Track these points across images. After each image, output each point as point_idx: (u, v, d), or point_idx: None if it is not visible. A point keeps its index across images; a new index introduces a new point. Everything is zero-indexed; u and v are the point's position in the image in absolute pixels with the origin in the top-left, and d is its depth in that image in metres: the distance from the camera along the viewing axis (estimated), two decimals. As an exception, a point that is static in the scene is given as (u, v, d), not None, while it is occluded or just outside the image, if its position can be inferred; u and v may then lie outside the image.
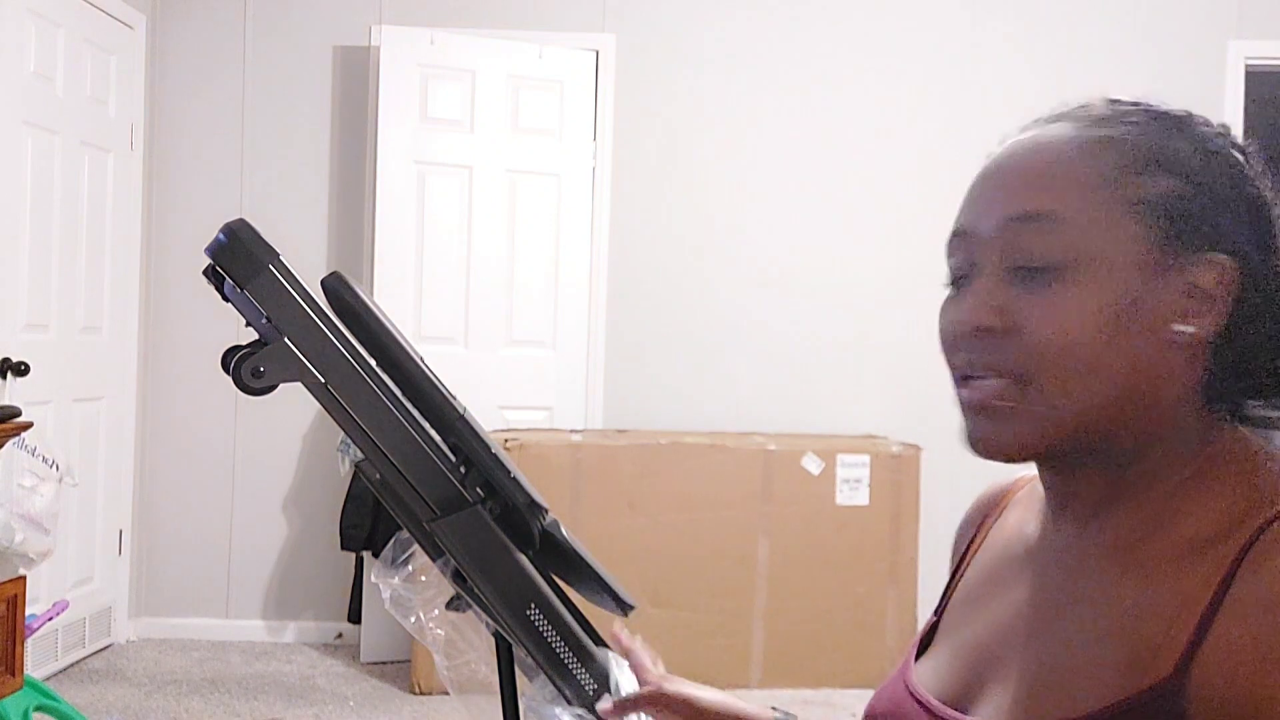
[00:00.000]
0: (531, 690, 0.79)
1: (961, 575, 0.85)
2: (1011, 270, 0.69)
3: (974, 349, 0.70)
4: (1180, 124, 0.70)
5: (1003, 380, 0.68)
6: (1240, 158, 0.69)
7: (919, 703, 0.77)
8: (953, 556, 0.90)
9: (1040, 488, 0.77)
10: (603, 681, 0.82)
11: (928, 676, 0.79)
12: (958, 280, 0.73)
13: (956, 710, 0.74)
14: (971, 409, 0.71)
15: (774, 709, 0.97)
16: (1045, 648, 0.69)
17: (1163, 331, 0.66)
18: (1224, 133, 0.71)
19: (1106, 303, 0.66)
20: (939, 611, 0.86)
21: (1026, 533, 0.78)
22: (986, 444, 0.70)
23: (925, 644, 0.84)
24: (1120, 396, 0.66)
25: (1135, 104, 0.73)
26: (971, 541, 0.86)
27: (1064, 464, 0.71)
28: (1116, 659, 0.64)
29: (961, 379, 0.72)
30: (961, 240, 0.73)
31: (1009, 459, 0.70)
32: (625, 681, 0.83)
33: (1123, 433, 0.68)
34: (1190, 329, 0.66)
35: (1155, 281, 0.66)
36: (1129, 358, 0.66)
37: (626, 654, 1.00)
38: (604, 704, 0.87)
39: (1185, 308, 0.66)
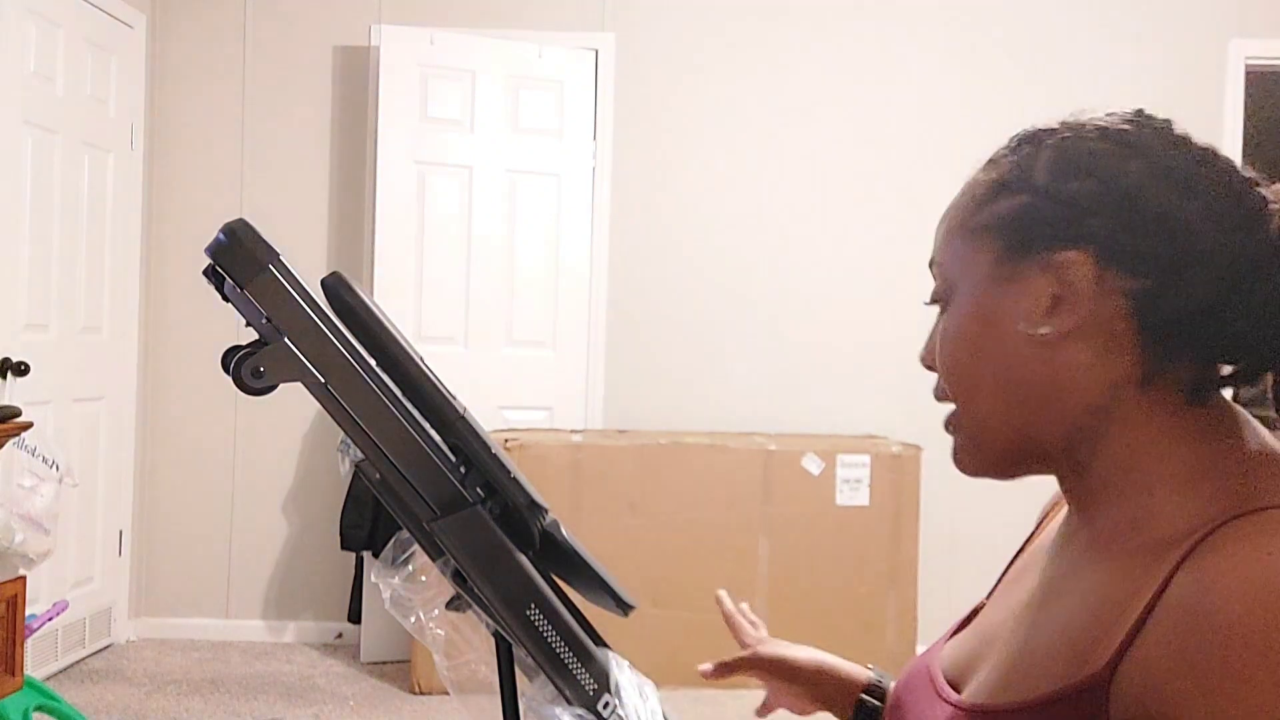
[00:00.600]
0: (531, 690, 0.79)
1: (1011, 564, 0.89)
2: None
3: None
4: (1057, 137, 0.73)
5: (948, 399, 0.77)
6: (1137, 148, 0.70)
7: (930, 677, 0.81)
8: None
9: None
10: (603, 681, 0.82)
11: (949, 652, 0.83)
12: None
13: (952, 687, 0.78)
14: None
15: (869, 666, 1.03)
16: (1026, 633, 0.72)
17: (1019, 335, 0.70)
18: (1117, 128, 0.72)
19: (965, 322, 0.74)
20: (989, 595, 0.90)
21: (1055, 528, 0.81)
22: (956, 462, 0.78)
23: (967, 623, 0.89)
24: (1014, 403, 0.72)
25: (1030, 130, 0.76)
26: (1034, 533, 0.89)
27: (1032, 470, 0.75)
28: (1068, 650, 0.66)
29: None
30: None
31: (974, 474, 0.77)
32: (625, 681, 0.83)
33: (1048, 435, 0.72)
34: (1045, 329, 0.69)
35: (1003, 291, 0.72)
36: (997, 366, 0.72)
37: (728, 618, 1.15)
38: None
39: (1041, 308, 0.70)
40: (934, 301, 0.78)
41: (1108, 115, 0.74)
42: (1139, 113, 0.73)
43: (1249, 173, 0.70)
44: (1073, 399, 0.70)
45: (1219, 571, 0.59)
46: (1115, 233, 0.68)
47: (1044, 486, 0.91)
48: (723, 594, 1.08)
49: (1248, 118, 4.18)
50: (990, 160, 0.78)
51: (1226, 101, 4.13)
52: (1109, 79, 4.13)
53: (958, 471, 0.78)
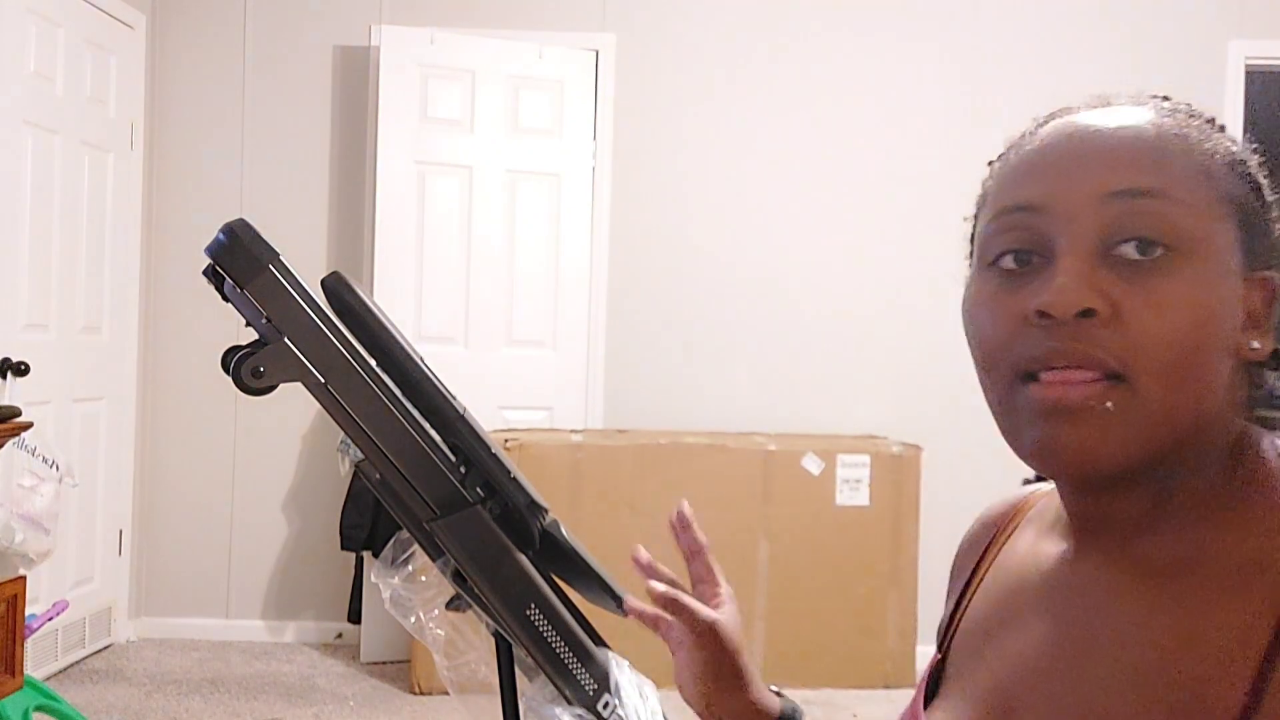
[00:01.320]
0: (531, 690, 0.79)
1: (967, 605, 0.77)
2: (1107, 252, 0.61)
3: (1063, 337, 0.60)
4: (1246, 146, 0.67)
5: (1098, 376, 0.59)
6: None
7: None
8: (952, 578, 0.81)
9: (1053, 506, 0.71)
10: (603, 681, 0.82)
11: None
12: (1021, 260, 0.64)
13: None
14: (1051, 411, 0.60)
15: (780, 693, 0.90)
16: (1075, 693, 0.62)
17: (1236, 343, 0.61)
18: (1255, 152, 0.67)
19: (1209, 300, 0.60)
20: (943, 646, 0.78)
21: (1042, 559, 0.70)
22: (1074, 454, 0.60)
23: (934, 684, 0.76)
24: (1208, 406, 0.61)
25: (1191, 108, 0.69)
26: (977, 566, 0.78)
27: (1118, 482, 0.62)
28: (1159, 706, 0.57)
29: (1032, 375, 0.61)
30: (1030, 215, 0.64)
31: (1099, 472, 0.61)
32: (625, 681, 0.83)
33: (1194, 448, 0.62)
34: (1258, 344, 0.62)
35: (1238, 289, 0.62)
36: (1217, 364, 0.61)
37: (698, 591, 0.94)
38: (643, 555, 0.86)
39: (1253, 322, 0.63)
40: (1140, 241, 0.60)
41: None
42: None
43: None
44: (1224, 416, 0.62)
45: None
46: None
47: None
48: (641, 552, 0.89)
49: (1248, 118, 4.18)
50: (1176, 111, 0.68)
51: (1226, 101, 4.13)
52: (1109, 79, 4.12)
53: (1043, 469, 0.64)
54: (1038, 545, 0.71)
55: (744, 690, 0.85)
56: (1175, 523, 0.62)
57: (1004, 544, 0.76)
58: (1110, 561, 0.64)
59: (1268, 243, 0.63)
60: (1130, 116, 0.66)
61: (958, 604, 0.78)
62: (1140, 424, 0.59)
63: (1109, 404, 0.59)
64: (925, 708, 0.74)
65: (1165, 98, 0.69)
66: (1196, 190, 0.61)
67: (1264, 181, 0.65)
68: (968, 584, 0.78)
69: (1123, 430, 0.59)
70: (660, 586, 0.84)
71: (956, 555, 0.82)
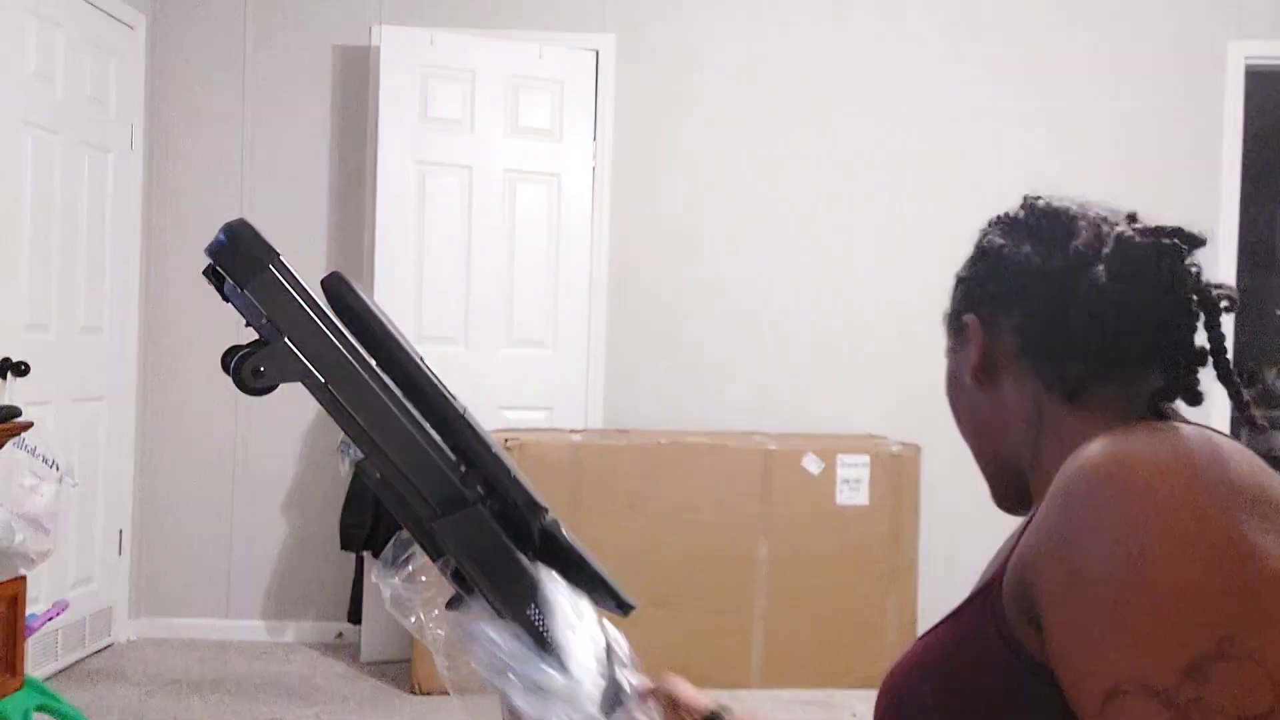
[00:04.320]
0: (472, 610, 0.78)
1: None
2: None
3: None
4: (1021, 226, 0.92)
5: None
6: (1020, 227, 0.91)
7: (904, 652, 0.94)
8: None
9: None
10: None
11: None
12: None
13: None
14: None
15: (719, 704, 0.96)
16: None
17: (967, 386, 0.92)
18: (1016, 215, 0.93)
19: (947, 378, 0.97)
20: None
21: None
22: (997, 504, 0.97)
23: None
24: (976, 437, 0.94)
25: (1022, 214, 0.93)
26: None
27: (1013, 487, 0.92)
28: (982, 579, 0.83)
29: None
30: None
31: (1007, 511, 0.95)
32: (625, 682, 0.83)
33: (1013, 454, 0.90)
34: (974, 379, 0.91)
35: (954, 353, 0.96)
36: (963, 413, 0.95)
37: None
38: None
39: (971, 362, 0.91)
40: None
41: (1033, 202, 0.93)
42: (1026, 197, 0.94)
43: (1111, 222, 0.88)
44: (1016, 422, 0.89)
45: (1069, 464, 0.74)
46: (997, 287, 0.90)
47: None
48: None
49: (1247, 118, 4.18)
50: (996, 224, 0.97)
51: (1226, 101, 4.13)
52: (1110, 80, 4.13)
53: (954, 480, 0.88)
54: None
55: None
56: (1048, 474, 0.82)
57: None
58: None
59: (961, 303, 0.95)
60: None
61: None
62: (985, 475, 0.96)
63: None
64: None
65: (1023, 212, 0.95)
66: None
67: (996, 255, 0.92)
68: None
69: (988, 482, 0.97)
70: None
71: None
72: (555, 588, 0.77)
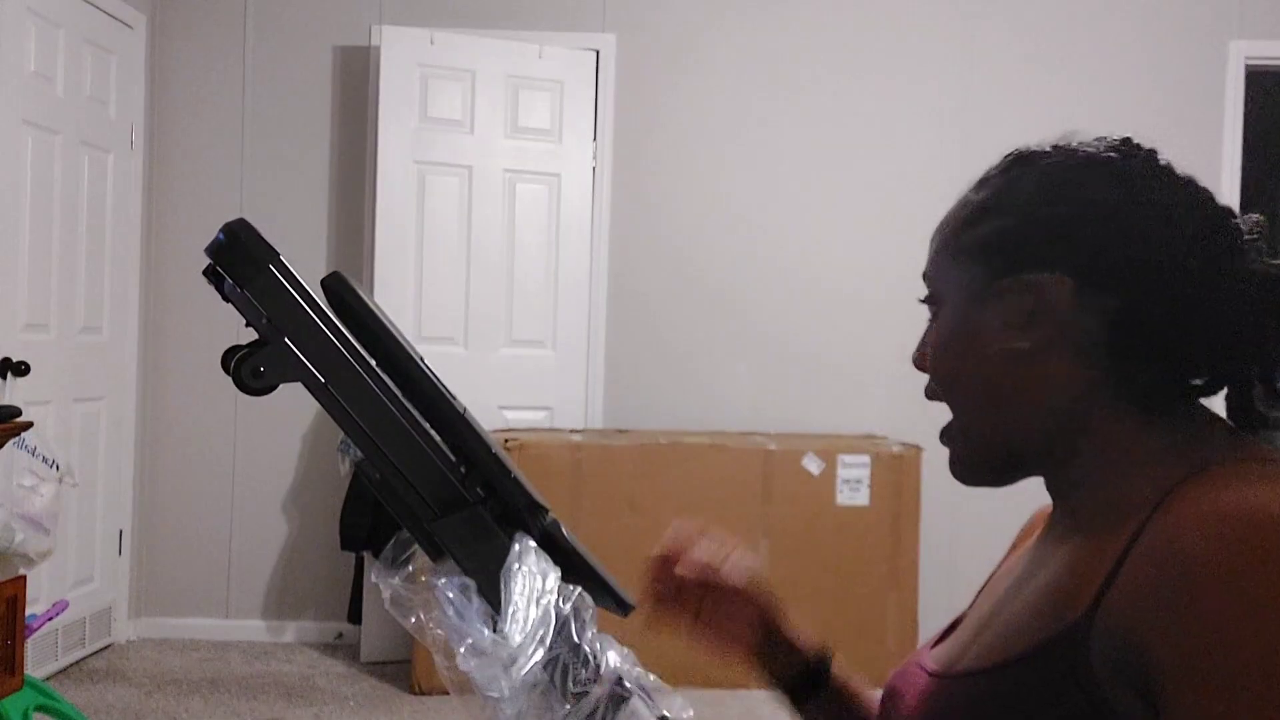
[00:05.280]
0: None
1: (994, 574, 0.93)
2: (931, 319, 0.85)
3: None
4: (1045, 161, 0.79)
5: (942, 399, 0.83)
6: (1120, 175, 0.76)
7: (919, 662, 0.86)
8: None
9: None
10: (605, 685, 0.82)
11: (938, 652, 0.86)
12: None
13: (945, 668, 0.82)
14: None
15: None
16: (1007, 610, 0.78)
17: (999, 349, 0.77)
18: (1103, 155, 0.77)
19: (951, 336, 0.80)
20: (972, 604, 0.92)
21: (1040, 531, 0.85)
22: (953, 471, 0.83)
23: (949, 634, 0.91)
24: (998, 410, 0.79)
25: (1021, 151, 0.81)
26: (1011, 550, 0.93)
27: (1020, 474, 0.81)
28: (1047, 609, 0.72)
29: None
30: None
31: (968, 482, 0.83)
32: (625, 677, 0.83)
33: (1029, 438, 0.78)
34: (1022, 343, 0.76)
35: (986, 309, 0.78)
36: (981, 377, 0.78)
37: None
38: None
39: (1018, 323, 0.76)
40: (927, 305, 0.85)
41: (1096, 141, 0.79)
42: (1125, 141, 0.78)
43: (1224, 203, 0.77)
44: (1050, 405, 0.76)
45: (1180, 516, 0.65)
46: (1092, 255, 0.74)
47: (1042, 490, 0.92)
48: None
49: (1247, 118, 4.18)
50: (982, 179, 0.83)
51: (1226, 102, 4.13)
52: (1110, 80, 4.13)
53: (954, 480, 0.82)
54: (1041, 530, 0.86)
55: (786, 633, 1.07)
56: (1088, 487, 0.76)
57: (1029, 533, 0.91)
58: (1063, 517, 0.80)
59: (1028, 250, 0.76)
60: (947, 211, 0.86)
61: (993, 574, 0.93)
62: (962, 443, 0.82)
63: (946, 437, 0.83)
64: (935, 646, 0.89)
65: (1020, 153, 0.82)
66: (943, 260, 0.83)
67: (1044, 200, 0.77)
68: (1001, 563, 0.93)
69: (957, 450, 0.82)
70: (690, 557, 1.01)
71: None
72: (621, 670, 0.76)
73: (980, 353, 0.78)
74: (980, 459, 0.81)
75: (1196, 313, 0.73)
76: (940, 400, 0.83)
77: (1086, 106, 4.12)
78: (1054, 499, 0.81)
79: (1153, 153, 0.78)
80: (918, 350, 0.85)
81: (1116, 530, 0.69)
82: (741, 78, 4.20)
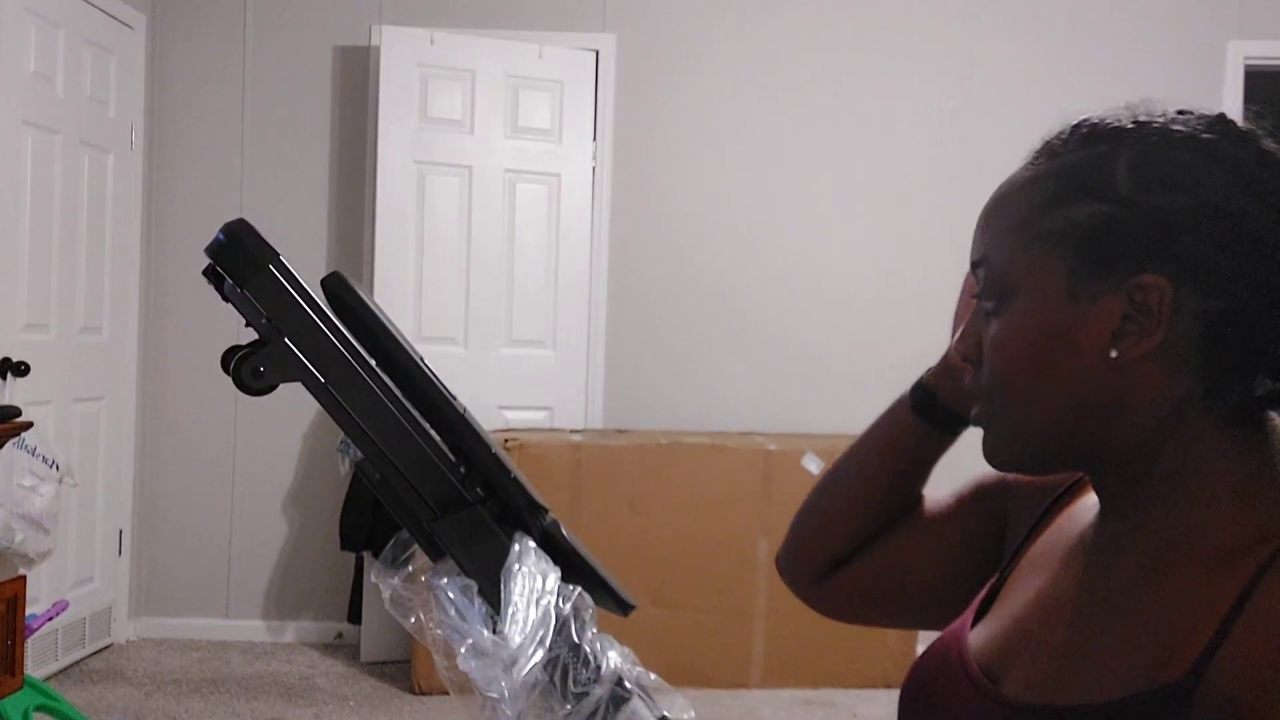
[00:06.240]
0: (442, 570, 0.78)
1: (1033, 541, 0.85)
2: (981, 310, 0.75)
3: (968, 375, 0.78)
4: (1138, 140, 0.69)
5: (982, 400, 0.75)
6: (1225, 161, 0.67)
7: (963, 666, 0.79)
8: (1026, 508, 0.89)
9: None
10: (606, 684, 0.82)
11: (977, 640, 0.80)
12: None
13: (988, 678, 0.76)
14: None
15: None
16: (1075, 634, 0.71)
17: (1095, 355, 0.68)
18: (1202, 136, 0.69)
19: (1031, 335, 0.70)
20: (1004, 570, 0.86)
21: (1085, 520, 0.79)
22: (989, 457, 0.76)
23: (988, 602, 0.85)
24: (1078, 419, 0.70)
25: (1097, 124, 0.72)
26: (1051, 508, 0.86)
27: (1069, 467, 0.76)
28: (1137, 655, 0.65)
29: None
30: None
31: (1003, 468, 0.76)
32: (626, 678, 0.83)
33: (1106, 448, 0.71)
34: (1117, 352, 0.67)
35: (1079, 310, 0.68)
36: (1065, 385, 0.69)
37: None
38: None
39: (1119, 329, 0.67)
40: (983, 299, 0.74)
41: (1183, 115, 0.70)
42: (1221, 118, 0.70)
43: None
44: (1138, 416, 0.69)
45: None
46: (1204, 253, 0.65)
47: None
48: None
49: (1247, 118, 4.17)
50: (1050, 151, 0.73)
51: (1226, 102, 4.12)
52: (1109, 79, 4.13)
53: (987, 464, 0.77)
54: (1088, 508, 0.79)
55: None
56: (1166, 506, 0.70)
57: (1071, 501, 0.84)
58: (1122, 532, 0.73)
59: (1134, 245, 0.67)
60: (1002, 184, 0.75)
61: (1026, 537, 0.86)
62: (1013, 435, 0.73)
63: (987, 420, 0.75)
64: (975, 623, 0.83)
65: (1087, 123, 0.73)
66: (1012, 244, 0.72)
67: (1140, 184, 0.67)
68: (1039, 522, 0.86)
69: (999, 437, 0.74)
70: None
71: (1041, 487, 0.88)
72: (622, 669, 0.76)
73: (1070, 359, 0.69)
74: (1034, 454, 0.74)
75: None
76: (983, 392, 0.75)
77: (1087, 106, 4.12)
78: (1111, 506, 0.74)
79: (1251, 132, 0.69)
80: (965, 342, 0.77)
81: (1216, 576, 0.64)
82: (741, 78, 4.20)
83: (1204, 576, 0.65)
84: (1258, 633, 0.60)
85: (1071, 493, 0.85)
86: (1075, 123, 0.73)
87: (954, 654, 0.81)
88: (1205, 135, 0.68)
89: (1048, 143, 0.74)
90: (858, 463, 1.05)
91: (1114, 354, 0.67)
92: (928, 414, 0.99)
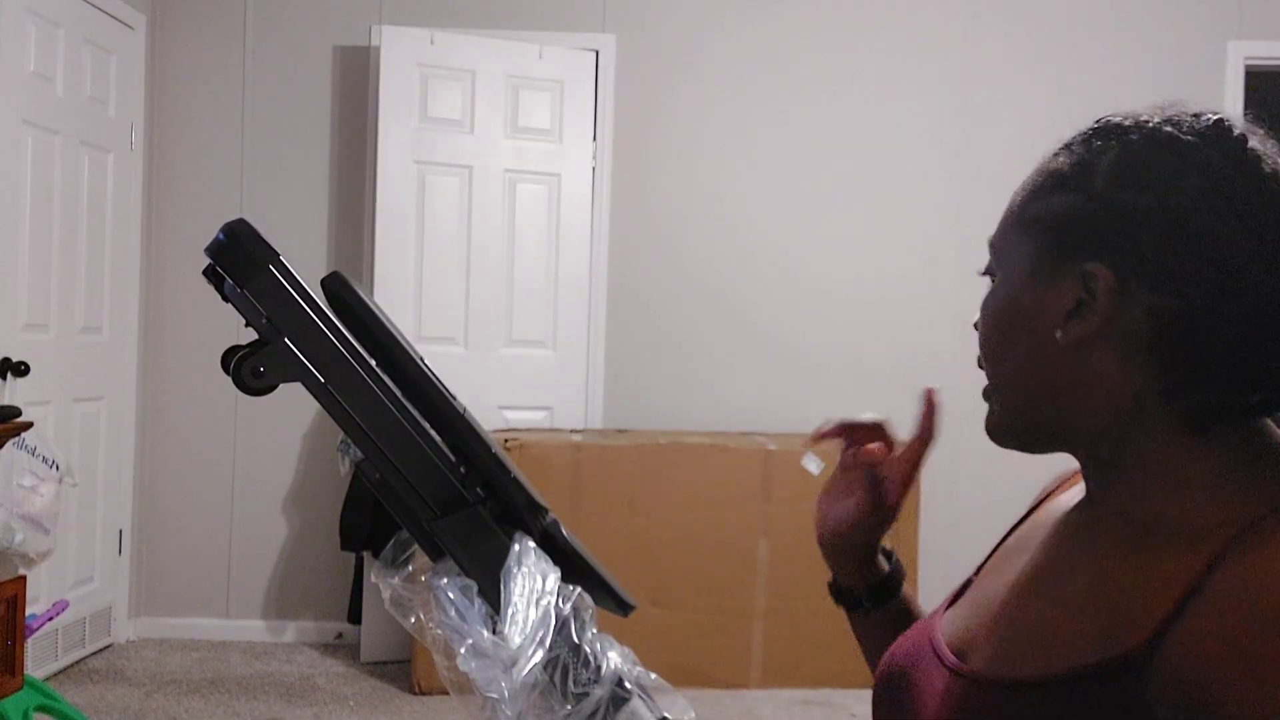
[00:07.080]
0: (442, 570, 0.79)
1: (1006, 538, 0.90)
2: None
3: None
4: (1127, 139, 0.72)
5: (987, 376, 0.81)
6: (1200, 166, 0.69)
7: (933, 646, 0.82)
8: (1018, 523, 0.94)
9: None
10: (606, 687, 0.82)
11: (950, 624, 0.84)
12: None
13: (956, 656, 0.79)
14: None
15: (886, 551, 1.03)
16: (1038, 607, 0.74)
17: (1046, 334, 0.73)
18: (1184, 139, 0.70)
19: (1001, 309, 0.77)
20: (979, 569, 0.89)
21: (1067, 506, 0.82)
22: (988, 431, 0.80)
23: (963, 592, 0.89)
24: (1040, 394, 0.75)
25: (1106, 121, 0.75)
26: (1031, 511, 0.90)
27: (1058, 449, 0.78)
28: (1096, 626, 0.68)
29: None
30: None
31: (1002, 445, 0.79)
32: (626, 678, 0.83)
33: (1072, 427, 0.74)
34: (1067, 334, 0.71)
35: (1038, 289, 0.73)
36: (1025, 358, 0.74)
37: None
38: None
39: (1063, 311, 0.71)
40: (987, 274, 0.80)
41: (1191, 118, 0.72)
42: (1217, 124, 0.71)
43: None
44: (1096, 401, 0.72)
45: (1269, 562, 0.62)
46: (1155, 251, 0.68)
47: (1046, 479, 0.91)
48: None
49: (1246, 118, 4.17)
50: (1066, 145, 0.76)
51: (1226, 102, 4.12)
52: (1109, 79, 4.13)
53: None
54: (1071, 497, 0.82)
55: (876, 539, 1.05)
56: (1134, 486, 0.72)
57: (1056, 495, 0.87)
58: (1095, 511, 0.76)
59: (1091, 235, 0.70)
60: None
61: (1009, 532, 0.89)
62: (1001, 409, 0.78)
63: (986, 396, 0.80)
64: (947, 609, 0.87)
65: (1100, 123, 0.75)
66: (1003, 227, 0.78)
67: (1115, 180, 0.70)
68: (1018, 524, 0.89)
69: (997, 413, 0.79)
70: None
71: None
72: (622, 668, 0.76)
73: (1026, 334, 0.74)
74: (1019, 428, 0.77)
75: (1265, 327, 0.66)
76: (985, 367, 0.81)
77: (1086, 106, 4.11)
78: (1092, 485, 0.77)
79: (1243, 139, 0.70)
80: (979, 317, 0.82)
81: (1179, 555, 0.66)
82: (741, 78, 4.20)
83: (1172, 557, 0.67)
84: (1213, 608, 0.62)
85: (1062, 489, 0.87)
86: (1095, 119, 0.76)
87: (925, 637, 0.84)
88: (1188, 138, 0.70)
89: (1070, 137, 0.77)
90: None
91: (1059, 334, 0.72)
92: (849, 603, 1.08)
